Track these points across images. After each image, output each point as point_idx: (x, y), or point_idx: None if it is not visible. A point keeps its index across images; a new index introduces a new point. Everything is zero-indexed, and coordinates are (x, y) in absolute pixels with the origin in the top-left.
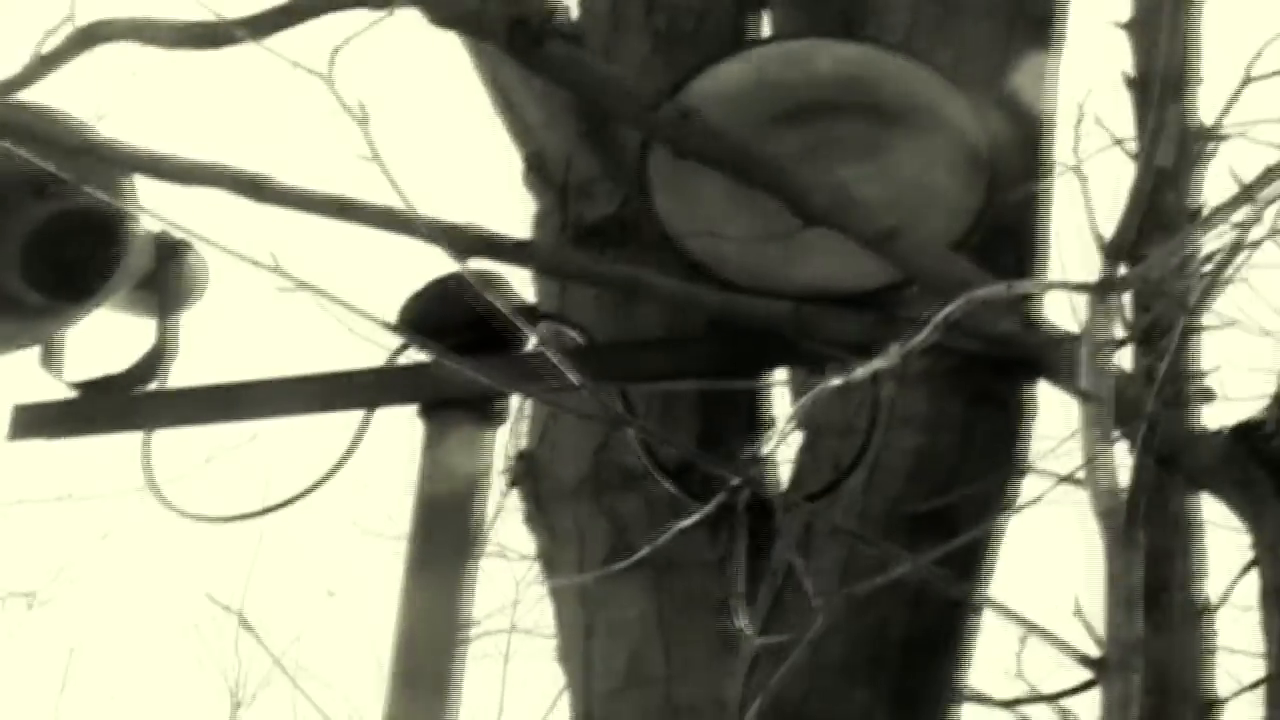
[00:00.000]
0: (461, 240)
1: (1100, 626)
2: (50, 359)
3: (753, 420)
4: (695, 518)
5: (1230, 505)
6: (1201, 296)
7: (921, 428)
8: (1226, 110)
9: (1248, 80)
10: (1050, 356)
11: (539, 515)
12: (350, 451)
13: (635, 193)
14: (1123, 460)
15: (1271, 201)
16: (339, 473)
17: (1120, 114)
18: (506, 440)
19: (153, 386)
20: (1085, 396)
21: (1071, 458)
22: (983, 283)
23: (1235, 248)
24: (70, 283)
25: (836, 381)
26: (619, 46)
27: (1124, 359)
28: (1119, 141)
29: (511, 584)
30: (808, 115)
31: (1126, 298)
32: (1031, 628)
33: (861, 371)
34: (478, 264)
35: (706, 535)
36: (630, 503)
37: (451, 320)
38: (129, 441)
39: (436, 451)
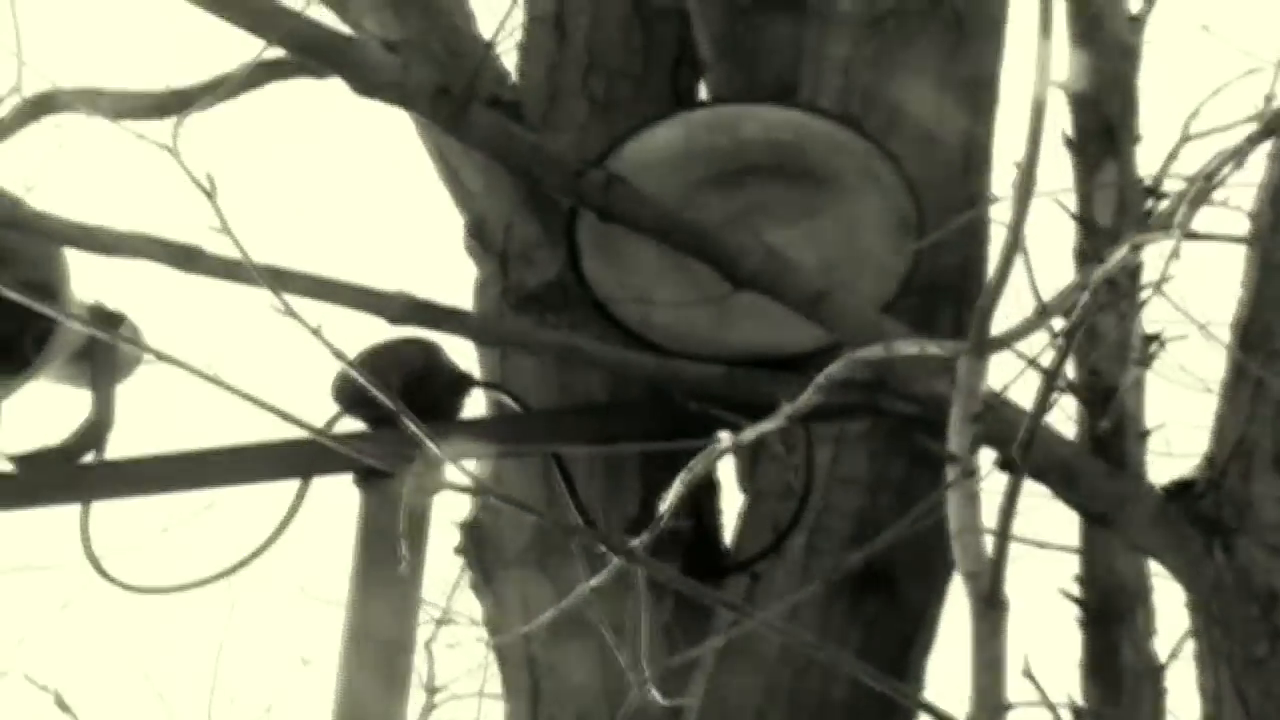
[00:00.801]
0: (393, 308)
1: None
2: None
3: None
4: (591, 584)
5: (1166, 565)
6: (1060, 357)
7: (863, 489)
8: (1165, 168)
9: (1186, 138)
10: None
11: (485, 583)
12: (287, 521)
13: (565, 259)
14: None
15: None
16: (277, 542)
17: (1060, 173)
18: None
19: (91, 458)
20: (952, 459)
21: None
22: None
23: (1089, 308)
24: (3, 355)
25: (725, 445)
26: (556, 113)
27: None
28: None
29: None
30: (737, 180)
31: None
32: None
33: (749, 433)
34: (412, 331)
35: (650, 601)
36: (574, 568)
37: (389, 388)
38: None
39: (373, 519)
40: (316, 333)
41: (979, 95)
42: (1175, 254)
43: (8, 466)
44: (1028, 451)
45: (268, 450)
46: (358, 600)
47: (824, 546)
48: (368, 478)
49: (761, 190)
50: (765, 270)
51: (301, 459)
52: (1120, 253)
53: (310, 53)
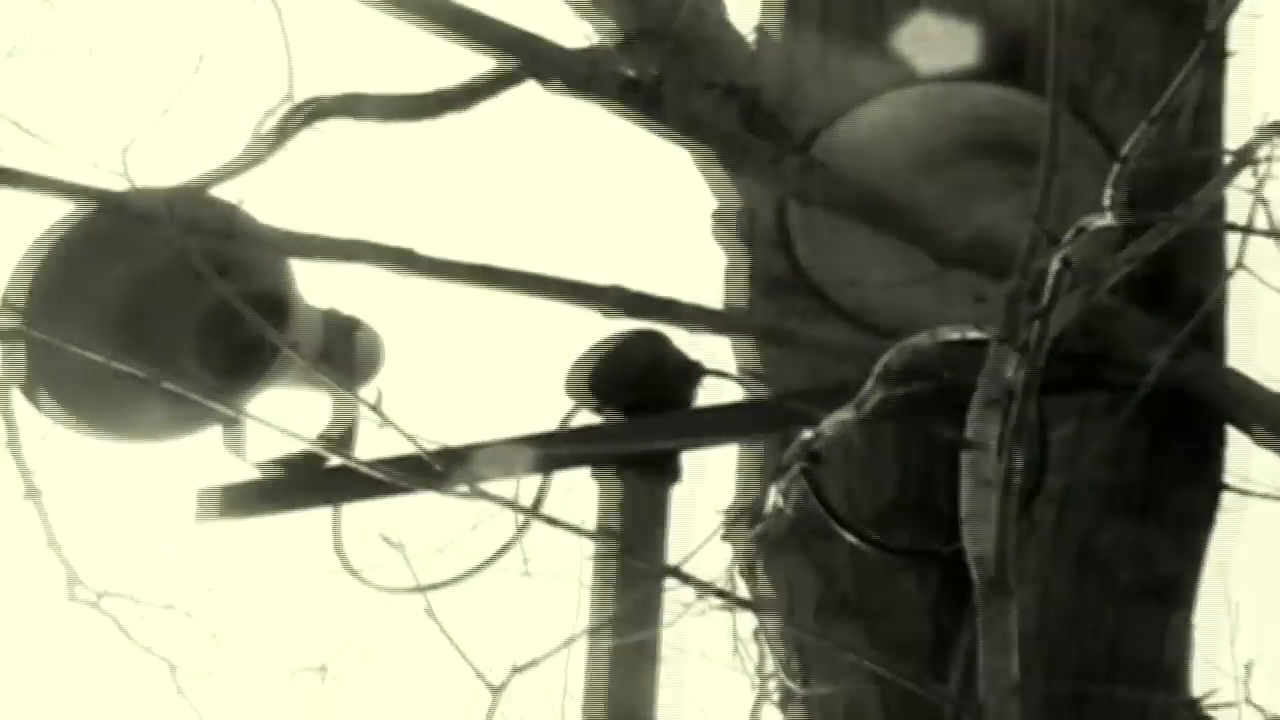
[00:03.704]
0: (608, 300)
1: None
2: (232, 440)
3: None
4: None
5: None
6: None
7: (1107, 462)
8: None
9: None
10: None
11: (750, 567)
12: (531, 516)
13: (778, 244)
14: None
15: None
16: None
17: None
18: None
19: (338, 461)
20: (968, 444)
21: None
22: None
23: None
24: (243, 364)
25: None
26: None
27: None
28: None
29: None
30: (946, 157)
31: None
32: None
33: (827, 423)
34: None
35: (915, 581)
36: (838, 552)
37: (620, 380)
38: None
39: (613, 511)
40: None
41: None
42: None
43: (259, 472)
44: None
45: (508, 448)
46: (602, 591)
47: (1071, 522)
48: (605, 470)
49: (972, 167)
50: (973, 247)
51: (540, 454)
52: None
53: (502, 51)
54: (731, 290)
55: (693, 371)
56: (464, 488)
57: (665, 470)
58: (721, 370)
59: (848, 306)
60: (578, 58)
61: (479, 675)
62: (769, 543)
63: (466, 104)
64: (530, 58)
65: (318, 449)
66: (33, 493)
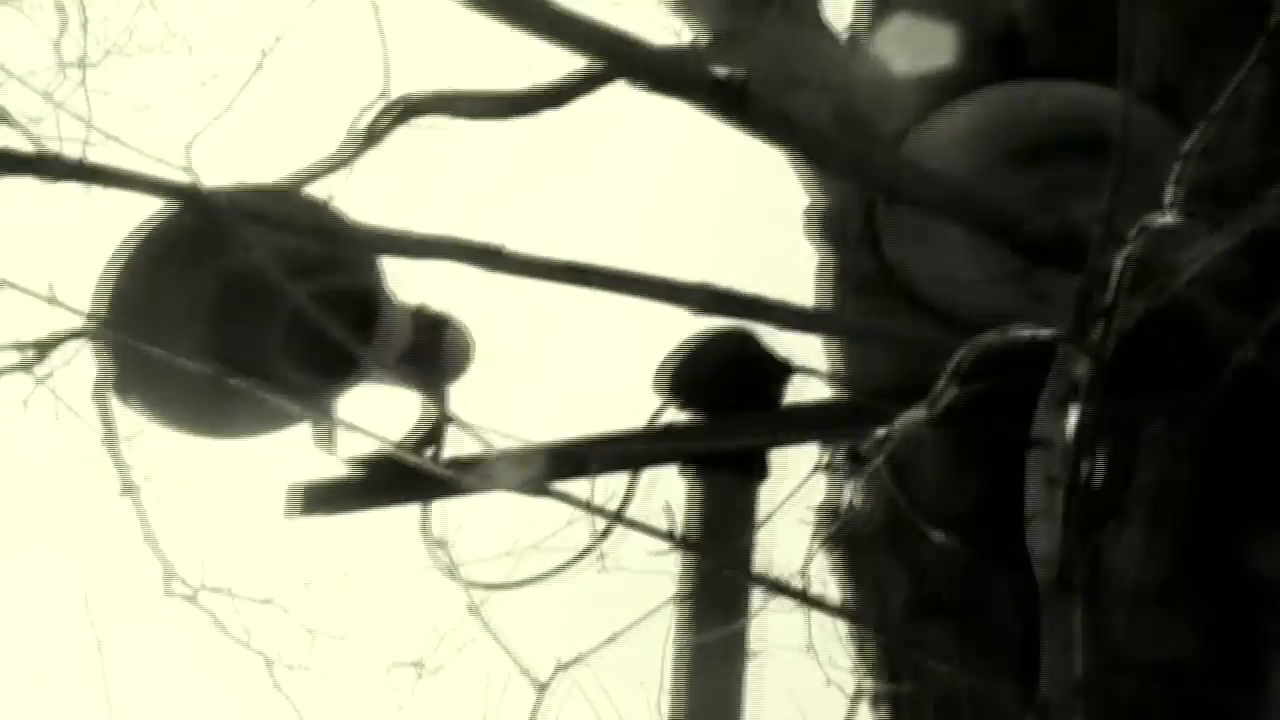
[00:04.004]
0: (696, 299)
1: None
2: (322, 436)
3: None
4: None
5: None
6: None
7: (1197, 461)
8: None
9: None
10: None
11: (842, 565)
12: (621, 512)
13: (866, 243)
14: None
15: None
16: (610, 533)
17: None
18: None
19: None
20: (1038, 443)
21: None
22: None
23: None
24: (333, 361)
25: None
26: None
27: None
28: None
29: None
30: (1035, 156)
31: None
32: None
33: (899, 422)
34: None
35: (1005, 580)
36: (928, 551)
37: (708, 378)
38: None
39: (702, 507)
40: None
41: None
42: None
43: (350, 470)
44: None
45: (599, 444)
46: (689, 585)
47: (1164, 520)
48: (695, 467)
49: (1062, 166)
50: (1059, 244)
51: (629, 452)
52: None
53: (591, 50)
54: (824, 288)
55: (781, 369)
56: (546, 488)
57: (752, 468)
58: (809, 368)
59: (936, 304)
60: (666, 57)
61: (525, 672)
62: (858, 541)
63: (560, 101)
64: (618, 57)
65: (402, 450)
66: (129, 489)
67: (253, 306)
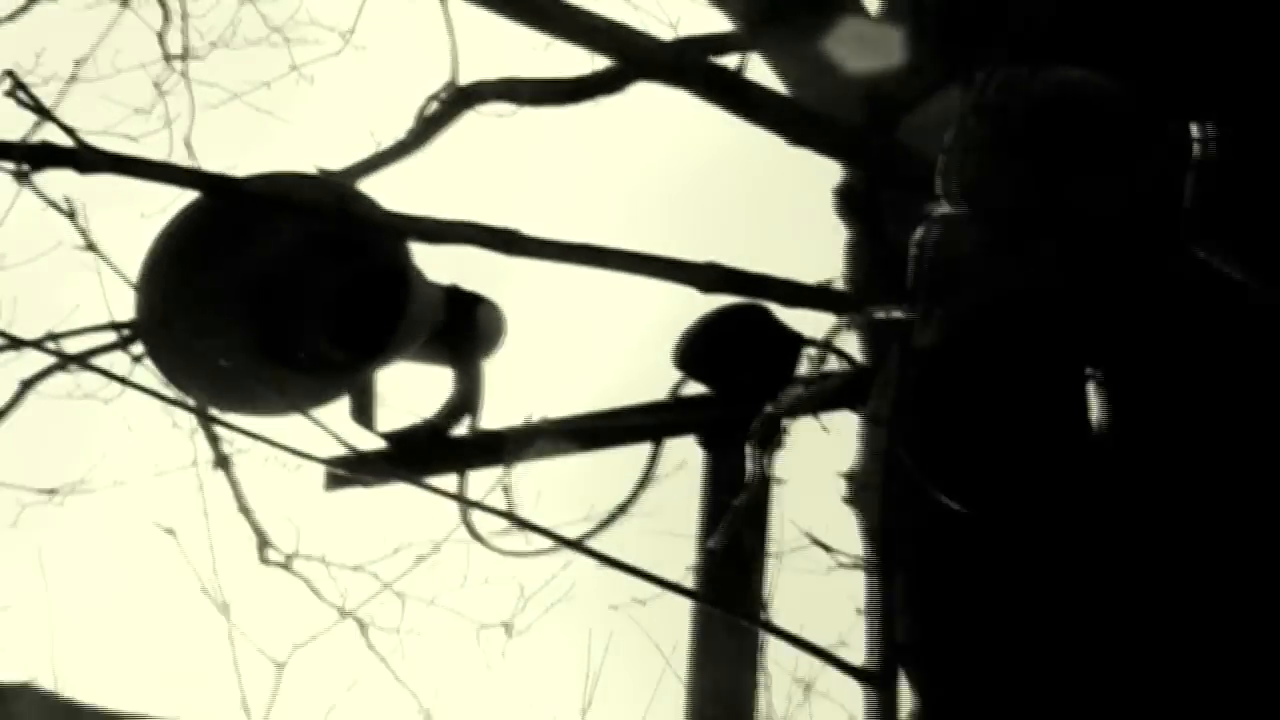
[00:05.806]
0: (705, 277)
1: None
2: (359, 411)
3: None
4: None
5: None
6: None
7: None
8: None
9: None
10: None
11: (870, 530)
12: (644, 482)
13: (868, 221)
14: None
15: None
16: (636, 503)
17: None
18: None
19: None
20: (875, 420)
21: None
22: None
23: None
24: (370, 339)
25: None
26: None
27: None
28: None
29: None
30: (1029, 140)
31: None
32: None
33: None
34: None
35: None
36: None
37: (726, 352)
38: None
39: (719, 478)
40: None
41: None
42: None
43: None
44: None
45: (620, 415)
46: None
47: None
48: (711, 438)
49: (1056, 150)
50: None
51: (651, 423)
52: None
53: (593, 43)
54: (852, 264)
55: (795, 343)
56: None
57: (768, 438)
58: (823, 341)
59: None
60: (665, 48)
61: None
62: (886, 505)
63: (616, 87)
64: (621, 49)
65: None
66: (222, 461)
67: (291, 288)
